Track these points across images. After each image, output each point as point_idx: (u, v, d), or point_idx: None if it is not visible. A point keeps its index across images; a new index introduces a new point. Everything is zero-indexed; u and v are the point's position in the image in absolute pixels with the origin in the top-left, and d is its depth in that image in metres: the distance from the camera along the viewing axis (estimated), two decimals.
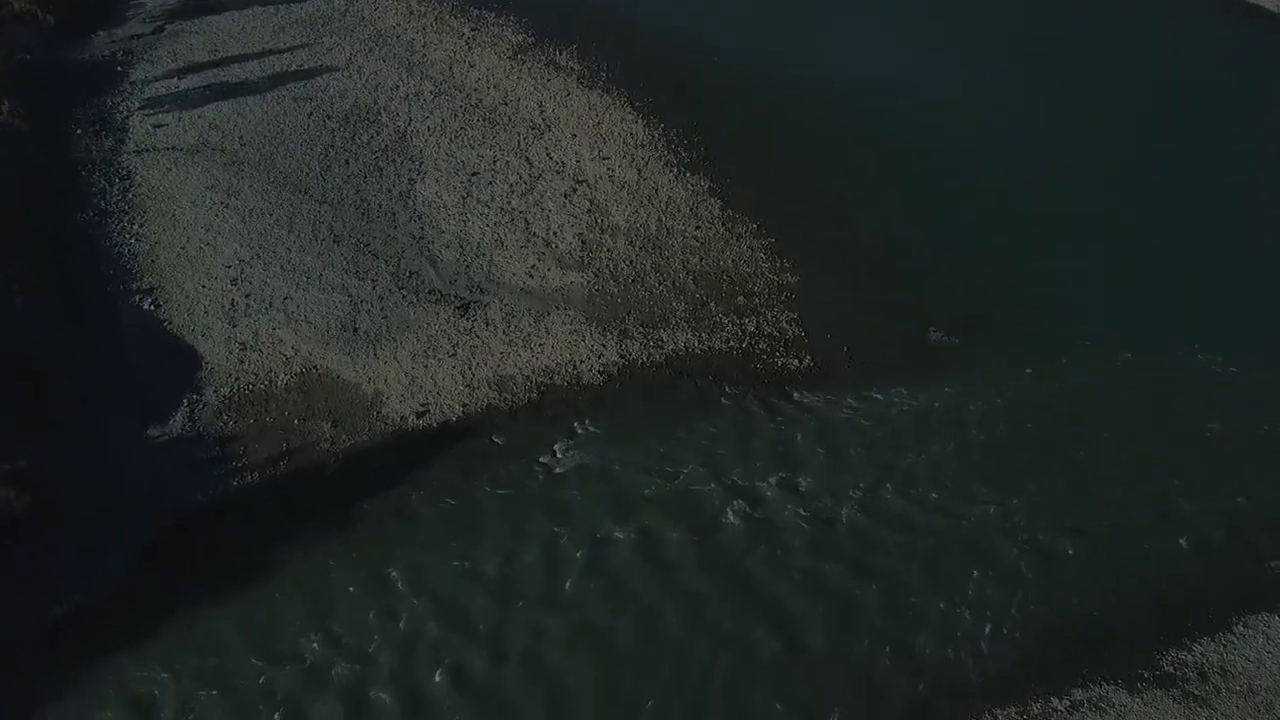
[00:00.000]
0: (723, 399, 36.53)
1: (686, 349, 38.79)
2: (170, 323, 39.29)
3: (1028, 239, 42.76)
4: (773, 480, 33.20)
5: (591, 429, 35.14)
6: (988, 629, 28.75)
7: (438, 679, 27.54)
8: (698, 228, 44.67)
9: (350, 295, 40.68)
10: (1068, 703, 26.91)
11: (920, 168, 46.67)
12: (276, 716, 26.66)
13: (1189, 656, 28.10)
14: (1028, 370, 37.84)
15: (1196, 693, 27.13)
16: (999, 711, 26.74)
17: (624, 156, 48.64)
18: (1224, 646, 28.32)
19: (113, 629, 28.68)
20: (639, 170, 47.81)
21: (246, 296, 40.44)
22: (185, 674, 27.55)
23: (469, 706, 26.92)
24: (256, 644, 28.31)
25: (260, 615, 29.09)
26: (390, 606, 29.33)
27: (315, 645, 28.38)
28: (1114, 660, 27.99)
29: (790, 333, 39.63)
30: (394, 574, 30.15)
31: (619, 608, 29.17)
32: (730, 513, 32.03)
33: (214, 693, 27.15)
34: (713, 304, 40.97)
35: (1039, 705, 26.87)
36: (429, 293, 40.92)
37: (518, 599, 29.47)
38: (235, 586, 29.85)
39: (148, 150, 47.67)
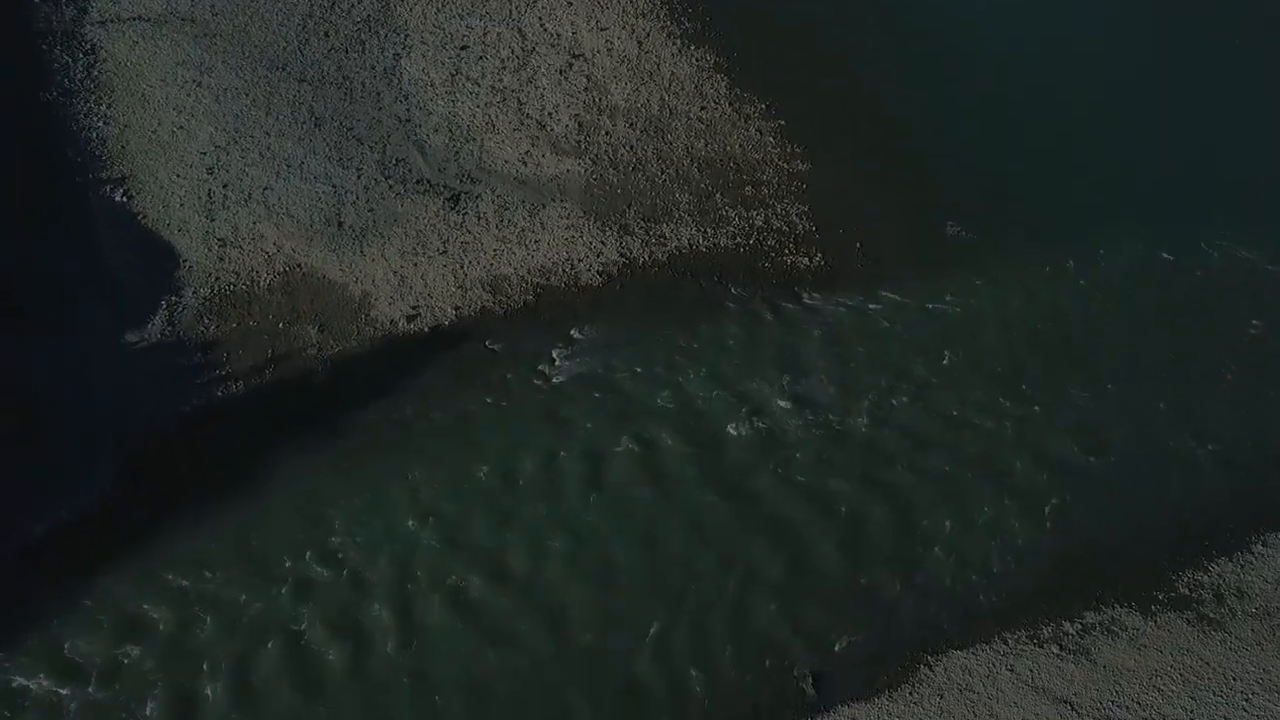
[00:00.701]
0: (728, 301, 35.19)
1: (690, 246, 37.19)
2: (144, 216, 37.54)
3: (1058, 128, 40.53)
4: (780, 389, 32.22)
5: (591, 334, 33.92)
6: (1000, 550, 28.28)
7: (435, 599, 27.14)
8: (703, 108, 42.35)
9: (334, 186, 38.79)
10: (1079, 626, 26.63)
11: (944, 48, 43.88)
12: (271, 640, 26.33)
13: (1205, 577, 27.71)
14: (1051, 269, 36.39)
15: (1211, 615, 26.83)
16: (1008, 635, 26.47)
17: (623, 27, 45.76)
18: (1241, 567, 27.90)
19: (98, 548, 28.14)
20: (639, 43, 45.07)
21: (224, 187, 38.55)
22: (176, 595, 27.11)
23: (467, 628, 26.62)
24: (249, 563, 27.85)
25: (251, 532, 28.56)
26: (384, 524, 28.77)
27: (310, 563, 27.88)
28: (1128, 581, 27.60)
29: (800, 227, 37.95)
30: (387, 489, 29.47)
31: (620, 526, 28.64)
32: (735, 425, 31.17)
33: (207, 615, 26.77)
34: (719, 195, 39.14)
35: (1049, 628, 26.60)
36: (417, 182, 39.02)
37: (515, 516, 28.91)
38: (223, 502, 29.22)
39: (112, 21, 44.74)
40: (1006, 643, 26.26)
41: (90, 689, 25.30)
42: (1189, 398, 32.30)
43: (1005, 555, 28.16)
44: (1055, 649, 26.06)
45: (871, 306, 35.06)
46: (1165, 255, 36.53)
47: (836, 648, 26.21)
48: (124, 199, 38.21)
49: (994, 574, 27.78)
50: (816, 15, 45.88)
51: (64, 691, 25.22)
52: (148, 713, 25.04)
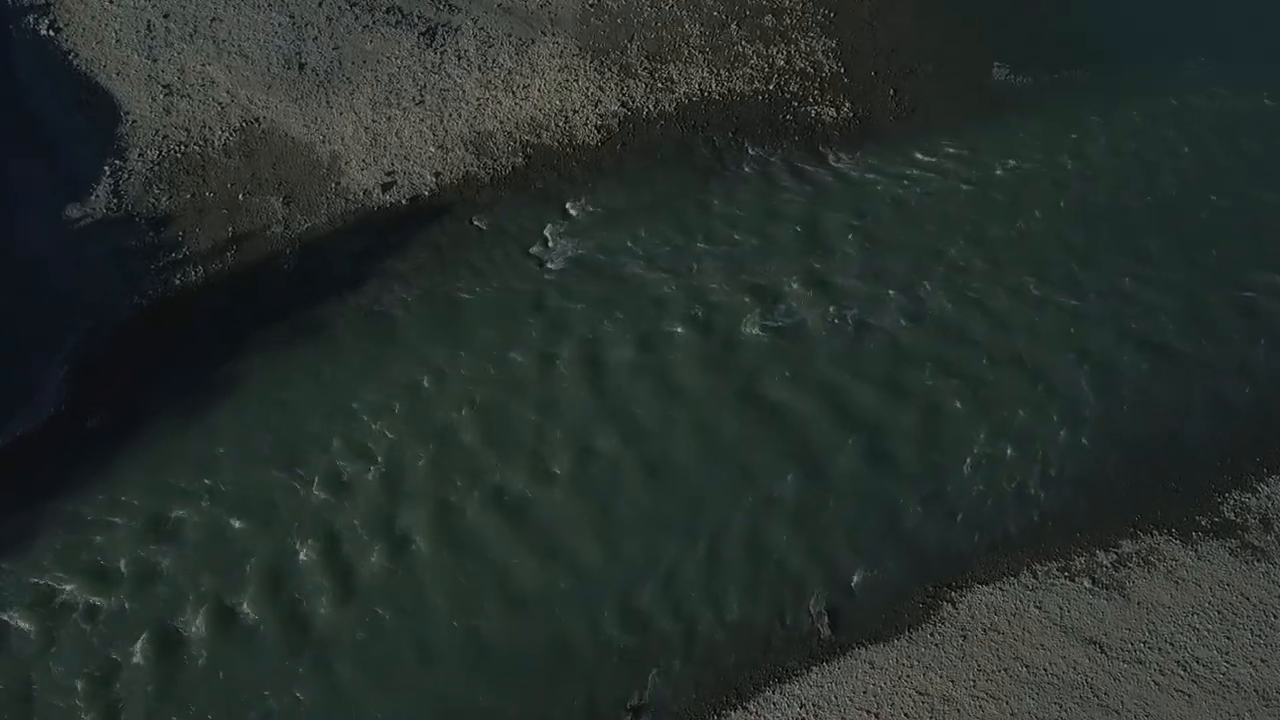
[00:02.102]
0: (745, 164, 31.63)
1: (702, 92, 33.12)
2: (76, 55, 33.26)
3: None
4: (801, 275, 29.37)
5: (588, 208, 30.64)
6: (1034, 466, 26.46)
7: (418, 518, 25.52)
8: None
9: (292, 15, 34.18)
10: (1114, 556, 25.23)
11: None
12: (249, 567, 24.95)
13: (1253, 500, 26.06)
14: (1111, 122, 32.57)
15: (1256, 544, 25.39)
16: (1038, 566, 25.10)
17: None
18: None
19: (60, 461, 26.26)
20: None
21: (165, 17, 33.98)
22: (140, 515, 25.41)
23: (449, 553, 25.14)
24: (224, 478, 26.02)
25: (224, 443, 26.56)
26: (365, 431, 26.74)
27: (288, 478, 26.07)
28: (1169, 504, 25.97)
29: (826, 69, 33.72)
30: (366, 393, 27.26)
31: (622, 439, 26.64)
32: (750, 320, 28.55)
33: (166, 546, 25.27)
34: (734, 25, 34.58)
35: (1082, 559, 25.21)
36: (387, 10, 34.37)
37: (506, 427, 26.85)
38: (191, 406, 27.07)
39: None
40: (1036, 575, 24.95)
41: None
42: (1259, 290, 29.51)
43: (1038, 473, 26.37)
44: (1087, 582, 24.79)
45: (903, 169, 31.56)
46: (1266, 100, 32.60)
47: (855, 580, 24.92)
48: (51, 32, 33.75)
49: (1026, 495, 26.11)
50: None
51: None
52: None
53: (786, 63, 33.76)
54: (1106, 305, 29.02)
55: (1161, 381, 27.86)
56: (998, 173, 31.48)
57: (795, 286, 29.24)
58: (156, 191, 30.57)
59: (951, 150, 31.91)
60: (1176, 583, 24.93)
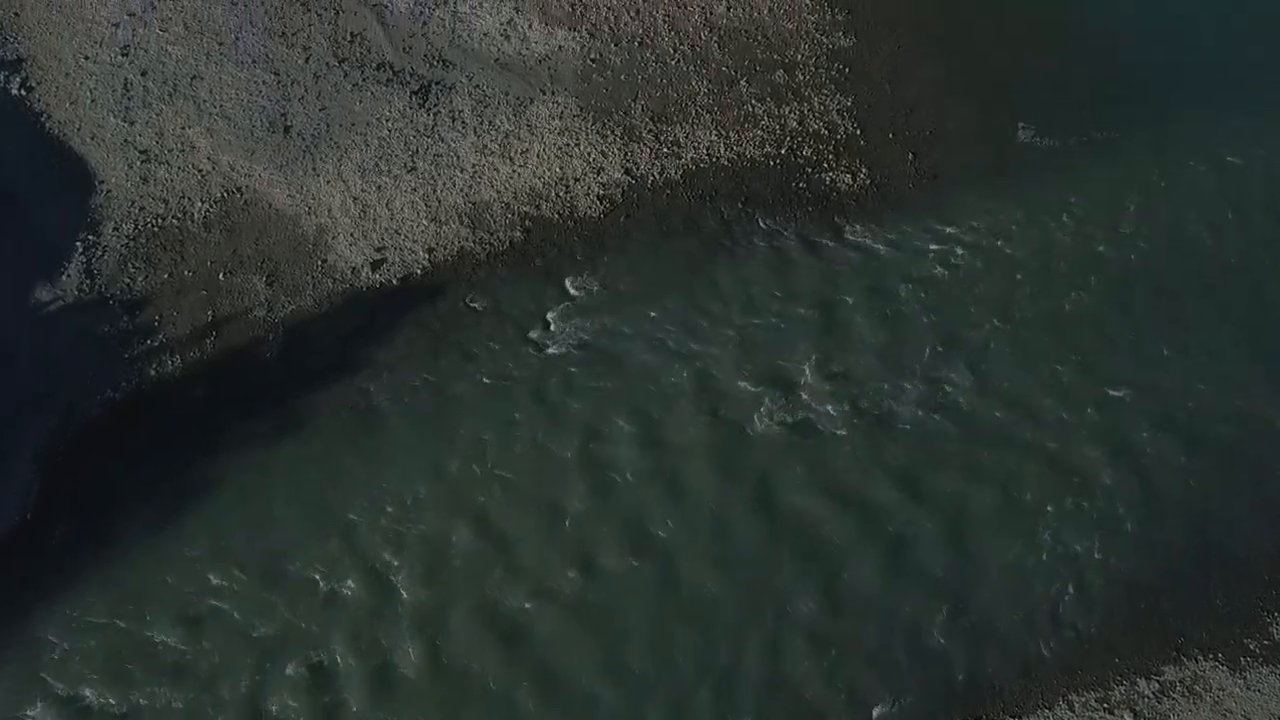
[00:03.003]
0: (755, 237, 28.99)
1: (710, 157, 30.41)
2: (49, 116, 30.53)
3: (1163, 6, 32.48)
4: (816, 362, 26.81)
5: (591, 286, 28.02)
6: (1067, 582, 24.03)
7: (405, 640, 23.14)
8: None
9: (277, 72, 31.42)
10: (1156, 686, 22.85)
11: None
12: (225, 694, 22.60)
13: None
14: (1142, 190, 29.89)
15: None
16: (1075, 697, 22.71)
17: None
18: None
19: (22, 574, 23.84)
20: None
21: (143, 75, 31.22)
22: (95, 635, 22.98)
23: (440, 680, 22.75)
24: (197, 596, 23.61)
25: (199, 553, 24.13)
26: (349, 542, 24.29)
27: (268, 593, 23.67)
28: (1215, 626, 23.57)
29: (841, 130, 30.99)
30: (352, 499, 24.80)
31: (628, 552, 24.19)
32: (762, 413, 26.02)
33: (135, 673, 22.88)
34: (743, 82, 31.82)
35: (1122, 688, 22.82)
36: (377, 67, 31.61)
37: (502, 538, 24.39)
38: (165, 515, 24.59)
39: None
40: (1073, 707, 22.55)
41: None
42: None
43: (1073, 589, 23.94)
44: (1128, 716, 22.43)
45: (923, 243, 28.91)
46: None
47: (876, 713, 22.56)
48: (22, 91, 31.02)
49: (1060, 614, 23.69)
50: None
51: None
52: None
53: (799, 124, 31.04)
54: (1144, 393, 26.49)
55: (1205, 481, 25.37)
56: (1023, 246, 28.83)
57: (811, 375, 26.69)
58: (132, 270, 27.95)
59: (974, 222, 29.23)
60: (1224, 715, 22.56)
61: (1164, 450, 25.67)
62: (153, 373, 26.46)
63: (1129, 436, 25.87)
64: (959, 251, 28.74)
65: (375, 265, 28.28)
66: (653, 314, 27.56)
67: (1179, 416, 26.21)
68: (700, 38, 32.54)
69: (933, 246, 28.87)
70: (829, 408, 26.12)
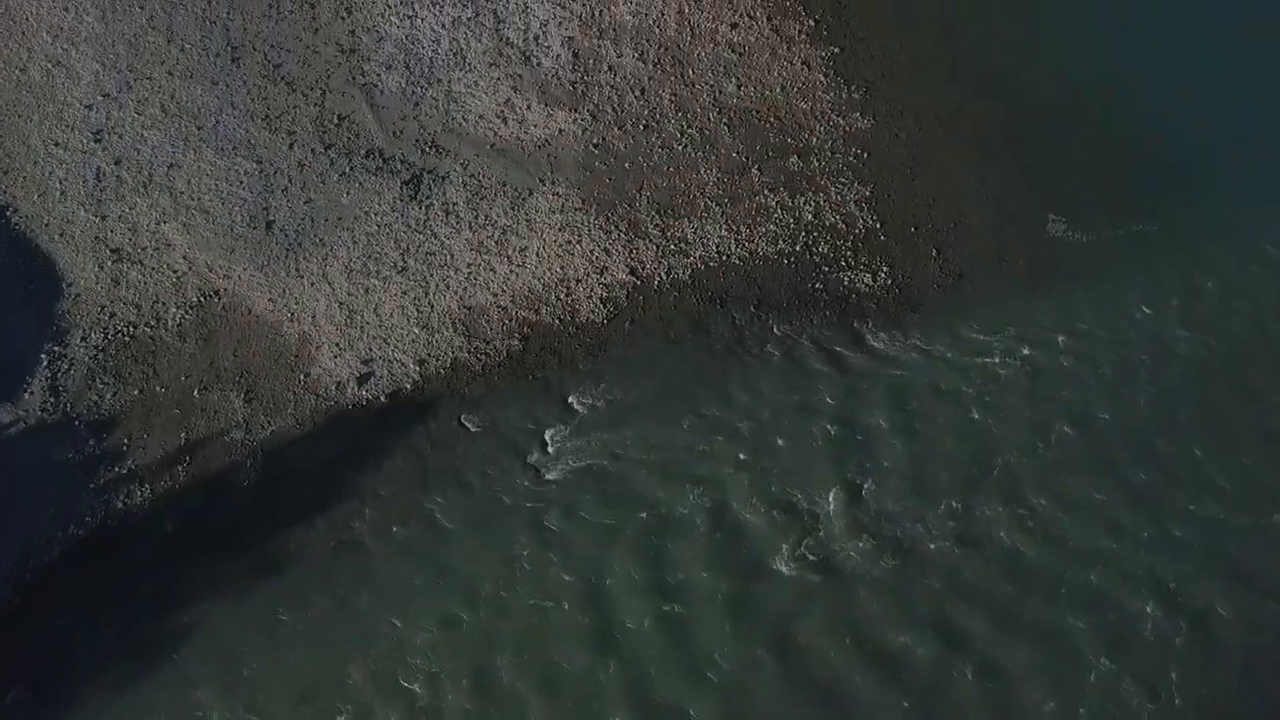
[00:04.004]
0: (769, 345, 26.20)
1: (720, 255, 27.61)
2: (15, 210, 27.76)
3: (1206, 89, 29.55)
4: (838, 490, 24.07)
5: (593, 401, 25.26)
6: None
7: None
8: (733, 26, 31.19)
9: (259, 160, 28.63)
10: None
11: None
12: None
13: None
14: (1190, 287, 27.03)
15: None
16: None
17: None
18: None
19: None
20: None
21: (117, 164, 28.42)
22: None
23: None
24: None
25: (167, 714, 21.49)
26: (327, 699, 21.61)
27: None
28: None
29: (860, 223, 28.17)
30: (331, 650, 22.10)
31: (631, 705, 21.50)
32: (781, 552, 23.29)
33: None
34: (755, 170, 29.01)
35: None
36: (366, 154, 28.80)
37: (491, 700, 21.68)
38: (128, 676, 21.89)
39: None
40: None
41: None
42: None
43: None
44: None
45: (950, 350, 26.12)
46: None
47: None
48: None
49: None
50: None
51: None
52: None
53: (815, 216, 28.23)
54: (1193, 528, 23.70)
55: (1262, 634, 22.65)
56: (1057, 356, 26.01)
57: (832, 504, 23.94)
58: (100, 386, 25.19)
59: (1004, 327, 26.42)
60: None
61: (1213, 592, 22.90)
62: (120, 505, 23.73)
63: (1173, 577, 23.10)
64: (987, 361, 25.97)
65: (362, 379, 25.52)
66: (660, 433, 24.79)
67: (1232, 553, 23.44)
68: (709, 120, 29.71)
69: (959, 355, 26.07)
70: (853, 544, 23.37)
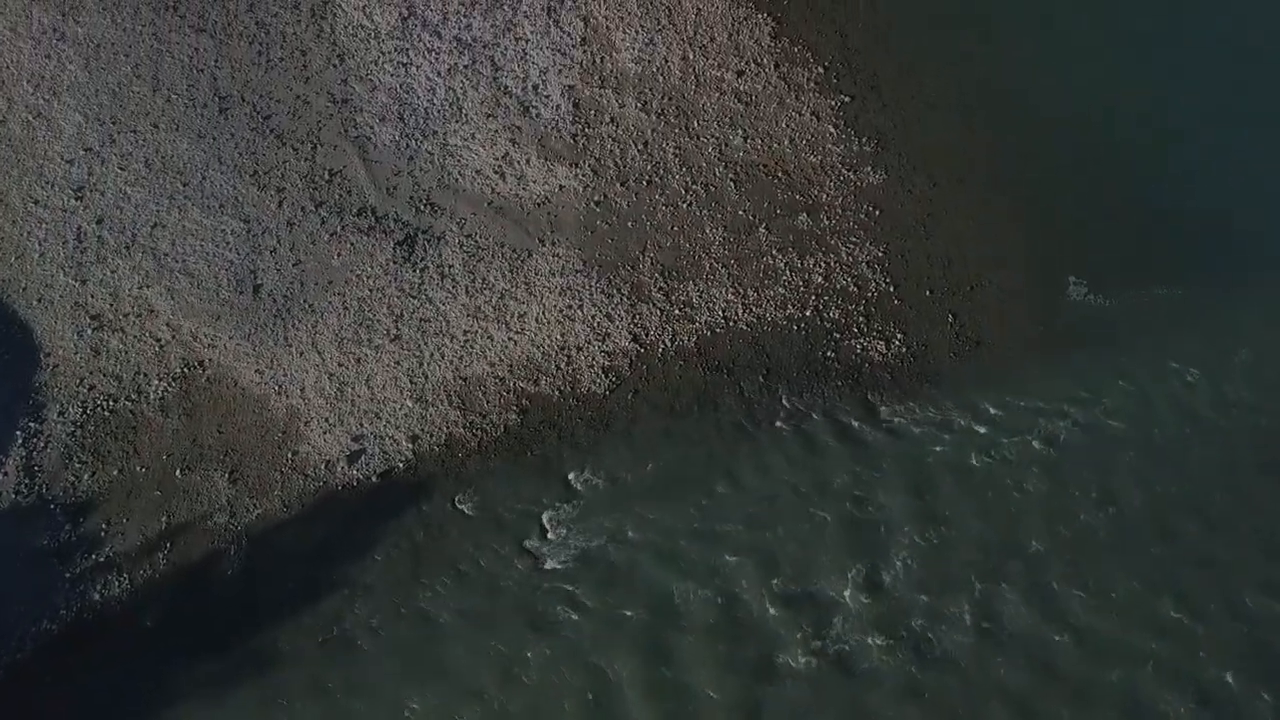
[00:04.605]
0: (779, 419, 24.55)
1: (726, 321, 25.96)
2: None
3: (1240, 131, 27.82)
4: (850, 578, 22.45)
5: (594, 480, 23.62)
6: None
7: None
8: (740, 74, 29.50)
9: (247, 219, 26.95)
10: None
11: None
12: None
13: None
14: (1221, 357, 25.39)
15: None
16: None
17: None
18: None
19: None
20: None
21: (99, 223, 26.75)
22: None
23: None
24: None
25: None
26: None
27: None
28: None
29: (873, 286, 26.51)
30: None
31: None
32: (791, 647, 21.68)
33: None
34: (763, 229, 27.34)
35: None
36: (358, 212, 27.12)
37: None
38: None
39: None
40: None
41: None
42: None
43: None
44: None
45: (968, 423, 24.46)
46: None
47: None
48: None
49: None
50: None
51: None
52: None
53: (825, 279, 26.57)
54: (1231, 622, 22.09)
55: None
56: (1081, 430, 24.38)
57: (844, 594, 22.31)
58: (77, 465, 23.54)
59: (1024, 400, 24.77)
60: None
61: (1257, 694, 21.30)
62: (97, 597, 22.09)
63: (1214, 675, 21.49)
64: (1006, 438, 24.30)
65: (352, 458, 23.87)
66: (665, 516, 23.16)
67: (1274, 645, 21.84)
68: (715, 175, 28.03)
69: (978, 429, 24.43)
70: (870, 639, 21.74)
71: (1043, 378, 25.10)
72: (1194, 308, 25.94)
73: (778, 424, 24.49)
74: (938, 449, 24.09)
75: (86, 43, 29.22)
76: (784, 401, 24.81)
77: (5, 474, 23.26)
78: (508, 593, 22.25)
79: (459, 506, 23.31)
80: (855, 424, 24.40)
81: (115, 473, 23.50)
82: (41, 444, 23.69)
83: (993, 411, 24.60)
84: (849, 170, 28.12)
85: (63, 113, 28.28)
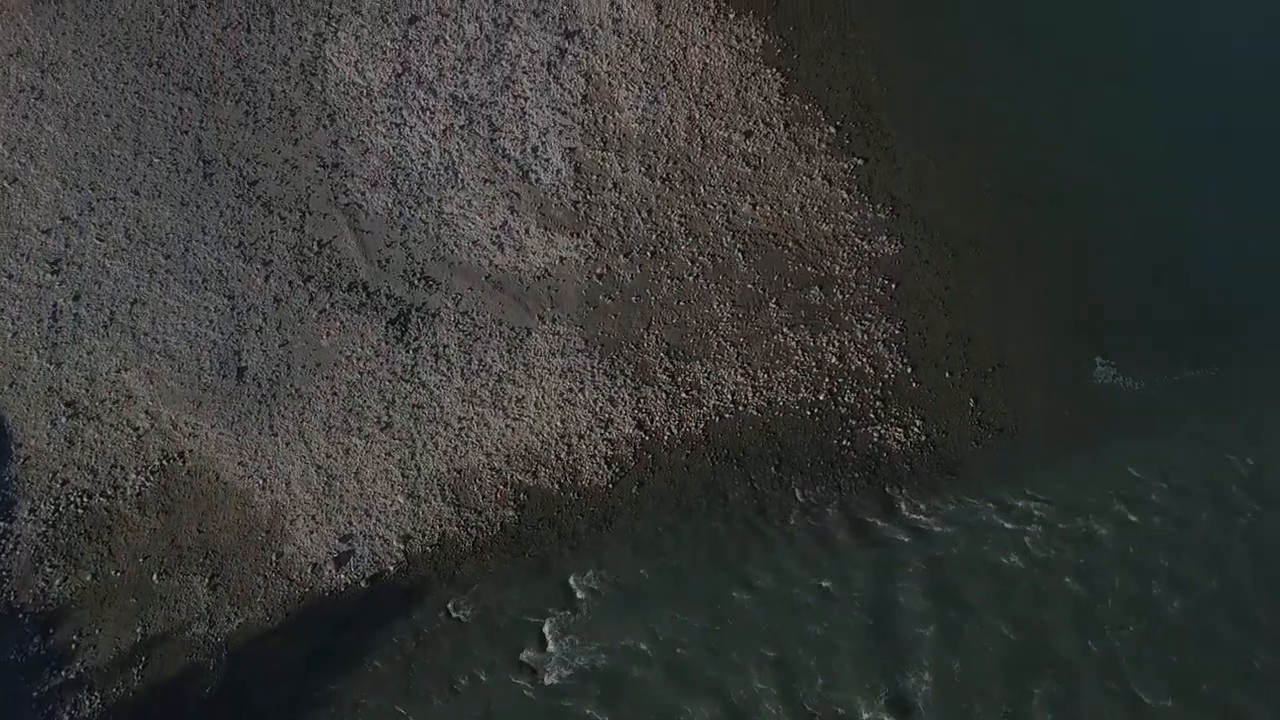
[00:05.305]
0: (792, 515, 22.65)
1: (735, 405, 24.05)
2: None
3: (1276, 204, 25.90)
4: (872, 698, 20.57)
5: (596, 585, 21.75)
6: None
7: None
8: (748, 135, 27.55)
9: (231, 295, 25.05)
10: None
11: (1120, 63, 27.73)
12: None
13: None
14: (1259, 446, 23.40)
15: None
16: None
17: None
18: None
19: None
20: (658, 6, 29.30)
21: (76, 299, 24.87)
22: None
23: None
24: None
25: None
26: None
27: None
28: None
29: (890, 368, 24.59)
30: None
31: None
32: None
33: None
34: (773, 303, 25.41)
35: None
36: (348, 287, 25.21)
37: None
38: None
39: None
40: None
41: None
42: None
43: None
44: None
45: (994, 523, 22.59)
46: None
47: None
48: None
49: None
50: None
51: None
52: None
53: (839, 359, 24.66)
54: None
55: None
56: (1111, 527, 22.46)
57: (865, 714, 20.49)
58: (48, 570, 21.66)
59: (1051, 494, 22.87)
60: None
61: None
62: (66, 718, 20.27)
63: None
64: (1032, 534, 22.40)
65: (340, 560, 21.99)
66: (672, 625, 21.28)
67: None
68: (722, 245, 26.10)
69: (1003, 524, 22.54)
70: None
71: (1071, 468, 23.17)
72: (1228, 390, 23.99)
73: (791, 521, 22.59)
74: (960, 546, 22.19)
75: (66, 101, 27.32)
76: (798, 495, 22.90)
77: None
78: (502, 707, 20.38)
79: (453, 614, 21.43)
80: (873, 521, 22.49)
81: (88, 578, 21.63)
82: (11, 546, 21.84)
83: (1017, 505, 22.69)
84: (863, 240, 26.19)
85: (40, 178, 26.39)
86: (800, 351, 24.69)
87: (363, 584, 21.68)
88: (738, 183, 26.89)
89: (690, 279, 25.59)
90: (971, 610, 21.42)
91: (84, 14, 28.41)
